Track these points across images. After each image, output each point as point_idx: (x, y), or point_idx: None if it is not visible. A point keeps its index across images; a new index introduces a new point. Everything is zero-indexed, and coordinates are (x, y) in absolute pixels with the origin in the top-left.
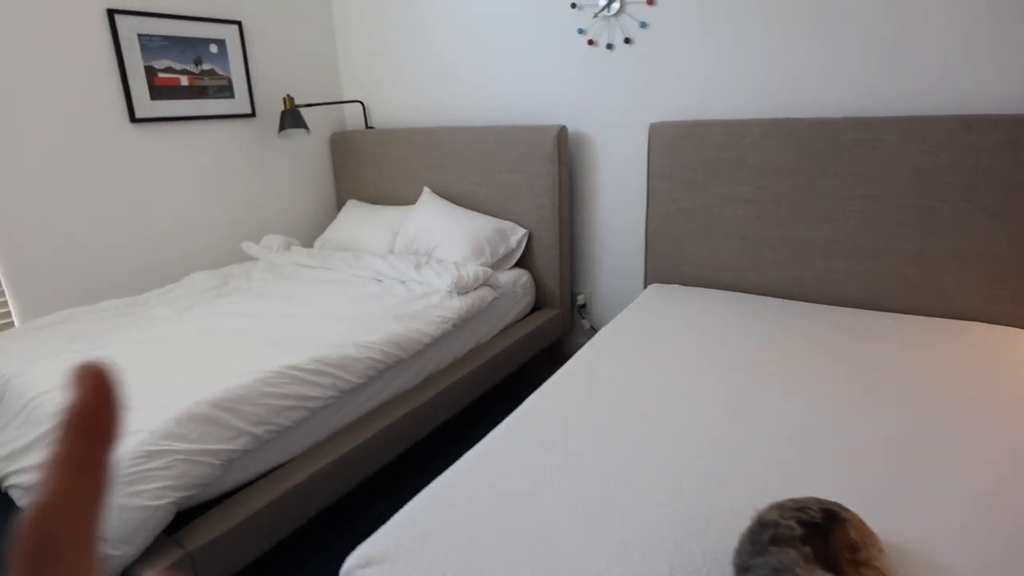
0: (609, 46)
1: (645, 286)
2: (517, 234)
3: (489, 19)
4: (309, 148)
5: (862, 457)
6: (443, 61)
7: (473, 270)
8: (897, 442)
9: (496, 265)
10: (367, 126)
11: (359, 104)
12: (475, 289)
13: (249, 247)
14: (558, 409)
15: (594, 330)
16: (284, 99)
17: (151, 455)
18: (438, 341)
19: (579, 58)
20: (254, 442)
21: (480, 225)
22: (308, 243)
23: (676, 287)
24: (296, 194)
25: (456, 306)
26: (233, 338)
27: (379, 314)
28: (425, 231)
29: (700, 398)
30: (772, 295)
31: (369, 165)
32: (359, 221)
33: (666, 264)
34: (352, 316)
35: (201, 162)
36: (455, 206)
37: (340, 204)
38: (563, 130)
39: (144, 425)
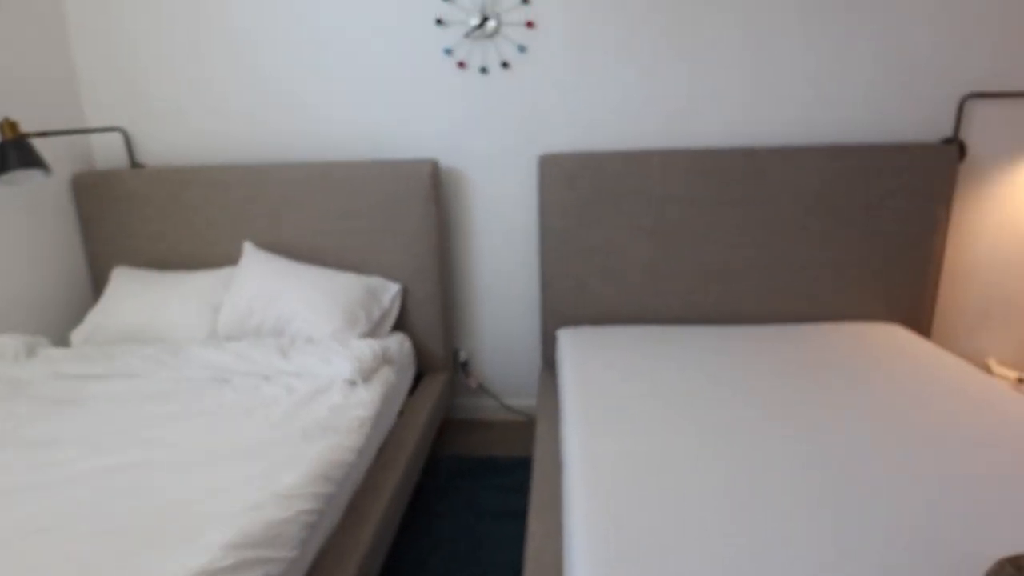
0: (483, 70)
1: (544, 331)
2: (390, 291)
3: (330, 29)
4: (40, 198)
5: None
6: (261, 78)
7: (367, 345)
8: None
9: (372, 333)
10: (133, 164)
11: (119, 133)
12: (375, 371)
13: None
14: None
15: (483, 388)
16: (1, 125)
17: None
18: (360, 453)
19: (447, 83)
20: None
21: (345, 284)
22: (60, 339)
23: (585, 328)
24: (25, 267)
25: (368, 399)
26: (49, 542)
27: (270, 436)
28: (267, 300)
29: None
30: (679, 323)
31: (145, 217)
32: (146, 297)
33: (567, 305)
34: (234, 452)
35: None
36: (300, 264)
37: (97, 275)
38: (435, 165)
39: None
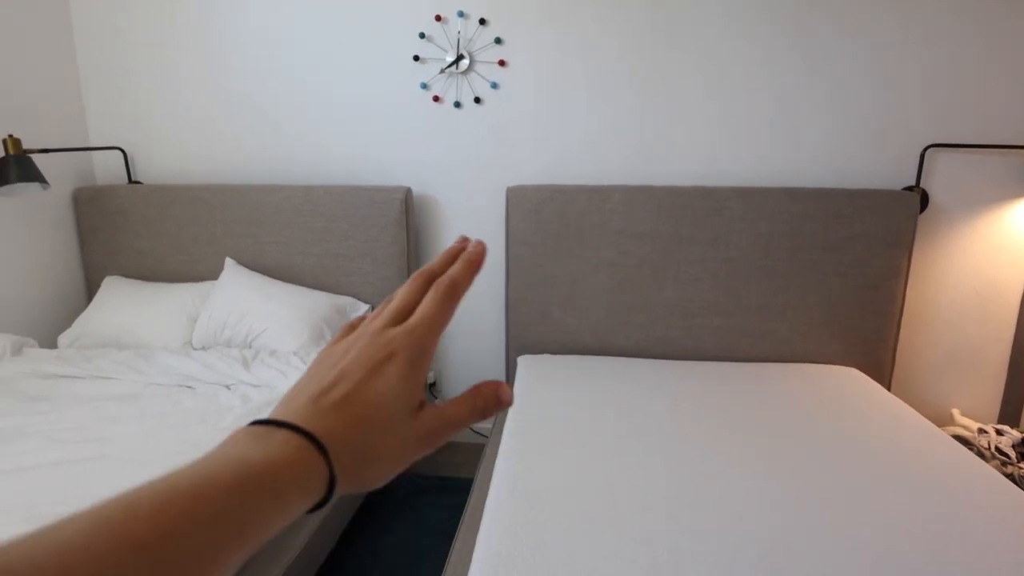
0: (457, 104)
1: (508, 357)
2: (359, 311)
3: (314, 60)
4: (42, 209)
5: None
6: (250, 104)
7: None
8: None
9: None
10: (131, 180)
11: (119, 152)
12: None
13: None
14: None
15: None
16: (4, 141)
17: None
18: None
19: (423, 115)
20: None
21: (315, 303)
22: (49, 341)
23: (546, 357)
24: (23, 273)
25: None
26: None
27: (212, 440)
28: (240, 314)
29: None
30: (639, 356)
31: (137, 231)
32: (131, 305)
33: (531, 333)
34: (176, 452)
35: None
36: (276, 281)
37: (92, 284)
38: (409, 192)
39: None
